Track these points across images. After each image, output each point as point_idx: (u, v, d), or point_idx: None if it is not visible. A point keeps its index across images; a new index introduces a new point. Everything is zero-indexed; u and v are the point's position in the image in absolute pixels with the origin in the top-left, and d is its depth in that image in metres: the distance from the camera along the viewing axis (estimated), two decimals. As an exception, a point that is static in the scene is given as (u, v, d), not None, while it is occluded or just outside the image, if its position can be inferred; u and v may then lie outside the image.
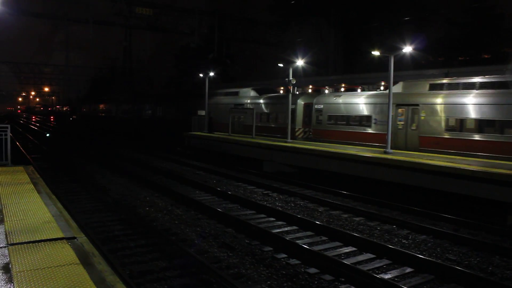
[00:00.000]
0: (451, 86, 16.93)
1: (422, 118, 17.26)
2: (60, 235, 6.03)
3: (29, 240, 5.78)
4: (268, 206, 13.09)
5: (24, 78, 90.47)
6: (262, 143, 20.68)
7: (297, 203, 14.12)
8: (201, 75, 30.45)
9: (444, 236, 10.50)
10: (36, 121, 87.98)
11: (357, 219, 12.27)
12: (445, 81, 17.67)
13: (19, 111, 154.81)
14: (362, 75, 27.81)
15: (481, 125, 15.53)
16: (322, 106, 22.29)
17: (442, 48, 36.55)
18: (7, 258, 5.08)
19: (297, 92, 25.79)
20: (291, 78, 20.56)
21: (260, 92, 28.66)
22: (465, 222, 11.68)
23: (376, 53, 17.39)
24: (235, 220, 11.40)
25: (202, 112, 29.97)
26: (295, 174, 19.16)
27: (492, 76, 16.51)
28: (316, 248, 9.44)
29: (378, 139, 18.58)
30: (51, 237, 5.90)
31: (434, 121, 16.92)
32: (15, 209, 7.41)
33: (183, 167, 22.07)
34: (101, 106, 67.56)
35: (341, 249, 9.59)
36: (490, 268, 8.64)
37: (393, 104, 16.88)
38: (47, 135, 45.47)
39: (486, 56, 35.40)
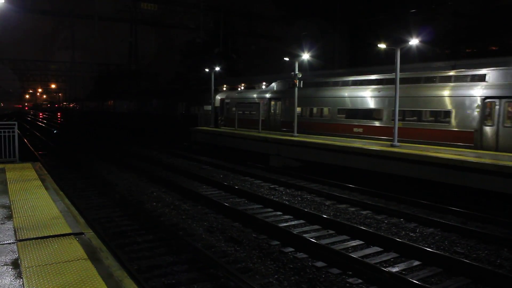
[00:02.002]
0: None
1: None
2: (68, 230, 6.07)
3: (37, 236, 5.82)
4: (275, 200, 13.09)
5: (31, 76, 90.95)
6: (269, 137, 20.65)
7: (304, 197, 14.12)
8: (207, 70, 30.45)
9: (452, 229, 10.46)
10: (43, 118, 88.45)
11: (364, 212, 12.25)
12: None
13: (26, 108, 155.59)
14: (367, 68, 27.67)
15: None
16: (229, 100, 29.19)
17: (449, 40, 36.25)
18: (16, 254, 5.12)
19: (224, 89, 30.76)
20: (297, 72, 20.53)
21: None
22: (473, 215, 11.61)
23: (382, 45, 17.27)
24: (242, 214, 11.41)
25: (209, 107, 30.02)
26: (302, 168, 19.14)
27: None
28: (323, 241, 9.44)
29: (256, 123, 23.86)
30: (59, 233, 5.94)
31: (291, 110, 21.70)
32: (23, 205, 7.47)
33: (189, 162, 22.12)
34: (110, 102, 67.76)
35: (348, 243, 9.58)
36: (498, 261, 8.59)
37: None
38: (54, 131, 45.70)
39: (493, 48, 35.07)
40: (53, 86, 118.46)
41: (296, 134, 20.73)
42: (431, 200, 13.02)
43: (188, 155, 24.50)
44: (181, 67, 60.48)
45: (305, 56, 21.71)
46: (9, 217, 6.71)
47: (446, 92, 16.50)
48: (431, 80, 17.33)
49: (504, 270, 8.06)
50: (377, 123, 18.87)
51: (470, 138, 15.58)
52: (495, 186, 11.83)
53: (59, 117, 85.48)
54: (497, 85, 15.20)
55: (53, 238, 5.72)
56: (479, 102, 15.34)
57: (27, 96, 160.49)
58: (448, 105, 16.28)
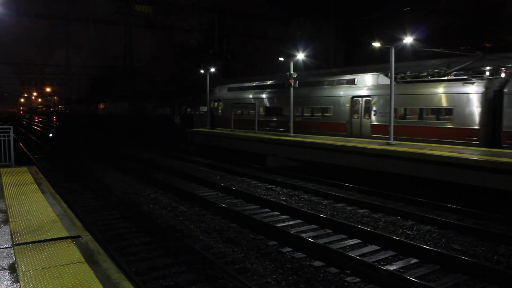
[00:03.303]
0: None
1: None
2: (65, 234, 6.05)
3: (34, 240, 5.80)
4: (272, 201, 13.10)
5: (26, 79, 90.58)
6: (265, 137, 20.66)
7: (301, 196, 14.13)
8: (202, 71, 30.43)
9: (449, 226, 10.49)
10: (39, 122, 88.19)
11: (362, 211, 12.28)
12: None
13: (21, 112, 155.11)
14: (362, 67, 27.75)
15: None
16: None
17: (443, 38, 36.34)
18: (13, 258, 5.10)
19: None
20: (292, 72, 20.56)
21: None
22: (470, 212, 11.66)
23: (376, 44, 17.31)
24: (239, 215, 11.42)
25: (204, 108, 30.11)
26: (299, 168, 19.16)
27: None
28: (321, 241, 9.46)
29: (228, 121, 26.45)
30: (56, 237, 5.92)
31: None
32: (19, 209, 7.44)
33: (186, 164, 22.10)
34: (102, 105, 67.88)
35: (346, 242, 9.60)
36: (495, 257, 8.63)
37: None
38: (50, 135, 45.60)
39: (487, 45, 35.18)
40: (48, 89, 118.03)
41: (292, 134, 20.76)
42: (428, 198, 13.05)
43: (185, 156, 24.49)
44: (176, 69, 60.40)
45: (300, 55, 21.74)
46: (6, 221, 6.68)
47: (327, 93, 21.86)
48: (321, 83, 22.85)
49: (501, 267, 8.10)
50: (275, 118, 25.03)
51: (344, 128, 20.57)
52: (492, 183, 11.88)
53: (54, 121, 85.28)
54: (360, 87, 20.19)
55: (50, 242, 5.70)
56: (349, 100, 20.31)
57: (22, 100, 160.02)
58: (329, 103, 21.51)
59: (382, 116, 18.78)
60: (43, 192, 8.98)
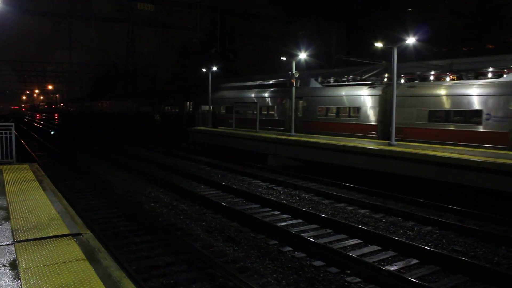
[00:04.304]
0: None
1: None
2: (66, 231, 6.06)
3: (35, 237, 5.81)
4: (273, 200, 13.10)
5: (28, 77, 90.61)
6: (267, 137, 20.66)
7: (302, 196, 14.13)
8: (204, 70, 30.43)
9: (450, 227, 10.48)
10: (41, 119, 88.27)
11: (362, 211, 12.27)
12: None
13: (23, 109, 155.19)
14: (364, 67, 27.80)
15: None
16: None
17: (446, 39, 36.29)
18: (14, 255, 5.12)
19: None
20: (294, 71, 20.56)
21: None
22: (471, 213, 11.65)
23: (379, 44, 17.30)
24: (240, 214, 11.42)
25: (206, 107, 30.15)
26: (300, 167, 19.16)
27: None
28: (321, 240, 9.46)
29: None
30: (57, 234, 5.93)
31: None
32: (21, 206, 7.45)
33: (187, 162, 22.11)
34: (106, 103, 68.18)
35: (346, 242, 9.60)
36: (496, 259, 8.62)
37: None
38: (51, 132, 45.69)
39: (490, 46, 35.11)
40: (50, 87, 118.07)
41: (293, 133, 20.76)
42: (428, 199, 13.05)
43: (186, 155, 24.50)
44: (178, 67, 60.40)
45: (302, 55, 21.74)
46: (7, 218, 6.70)
47: (271, 95, 25.89)
48: (268, 86, 26.95)
49: (501, 268, 8.10)
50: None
51: (283, 124, 24.01)
52: (493, 184, 11.86)
53: (56, 119, 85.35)
54: (297, 89, 22.30)
55: (51, 239, 5.71)
56: (288, 100, 22.89)
57: (24, 97, 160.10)
58: (272, 103, 25.56)
59: (310, 114, 22.43)
60: (44, 189, 8.99)
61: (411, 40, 16.10)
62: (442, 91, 16.80)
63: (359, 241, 9.62)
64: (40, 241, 5.66)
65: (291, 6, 49.13)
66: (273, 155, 20.12)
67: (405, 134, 17.43)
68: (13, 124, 13.24)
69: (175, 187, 15.08)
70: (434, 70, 20.21)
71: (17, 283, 4.35)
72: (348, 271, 7.85)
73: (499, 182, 11.65)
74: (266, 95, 26.43)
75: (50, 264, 4.84)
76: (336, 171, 17.10)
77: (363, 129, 19.34)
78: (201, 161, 22.12)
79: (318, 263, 8.27)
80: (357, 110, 19.74)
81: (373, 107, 19.25)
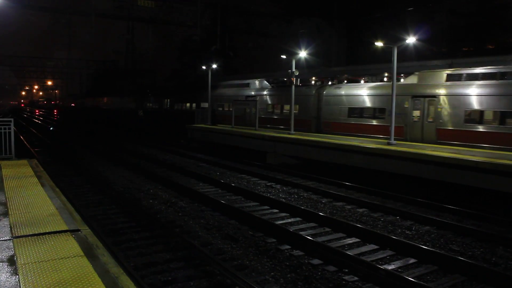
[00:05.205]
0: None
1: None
2: (64, 227, 6.06)
3: (33, 232, 5.80)
4: (272, 198, 13.10)
5: (27, 72, 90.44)
6: (266, 135, 20.65)
7: (301, 194, 14.14)
8: (203, 67, 30.39)
9: (448, 227, 10.50)
10: (40, 115, 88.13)
11: (361, 210, 12.28)
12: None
13: (22, 105, 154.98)
14: (365, 66, 27.84)
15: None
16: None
17: (446, 38, 36.28)
18: (12, 251, 5.11)
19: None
20: (294, 69, 20.54)
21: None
22: (469, 213, 11.66)
23: (379, 44, 17.27)
24: (238, 212, 11.42)
25: (205, 104, 30.16)
26: (299, 165, 19.16)
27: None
28: (319, 239, 9.46)
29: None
30: (55, 230, 5.93)
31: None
32: (19, 202, 7.45)
33: (186, 160, 22.11)
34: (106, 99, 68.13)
35: (344, 240, 9.61)
36: (493, 259, 8.63)
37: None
38: (51, 128, 45.65)
39: (490, 47, 35.11)
40: (49, 83, 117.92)
41: (292, 131, 20.76)
42: (427, 198, 13.05)
43: (185, 152, 24.48)
44: (178, 65, 60.28)
45: (302, 53, 21.73)
46: (5, 214, 6.69)
47: (234, 92, 29.72)
48: (238, 85, 30.50)
49: (499, 268, 8.11)
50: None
51: (243, 118, 26.81)
52: (491, 184, 11.88)
53: (55, 114, 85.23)
54: (254, 88, 28.32)
55: (49, 235, 5.70)
56: (244, 98, 27.55)
57: (23, 93, 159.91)
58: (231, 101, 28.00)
59: (263, 110, 26.11)
60: (43, 185, 8.99)
61: (411, 40, 16.09)
62: (358, 92, 20.46)
63: (357, 240, 9.63)
64: (38, 236, 5.65)
65: (292, 4, 49.09)
66: (272, 153, 20.12)
67: (332, 128, 21.02)
68: (12, 119, 13.22)
69: (174, 184, 15.08)
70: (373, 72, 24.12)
71: (15, 279, 4.35)
72: (346, 270, 7.86)
73: (497, 182, 11.66)
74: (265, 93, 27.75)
75: (48, 260, 4.84)
76: (335, 170, 17.10)
77: (302, 124, 22.82)
78: (200, 158, 22.11)
79: (316, 261, 8.28)
80: (297, 107, 22.87)
81: (308, 105, 22.96)
